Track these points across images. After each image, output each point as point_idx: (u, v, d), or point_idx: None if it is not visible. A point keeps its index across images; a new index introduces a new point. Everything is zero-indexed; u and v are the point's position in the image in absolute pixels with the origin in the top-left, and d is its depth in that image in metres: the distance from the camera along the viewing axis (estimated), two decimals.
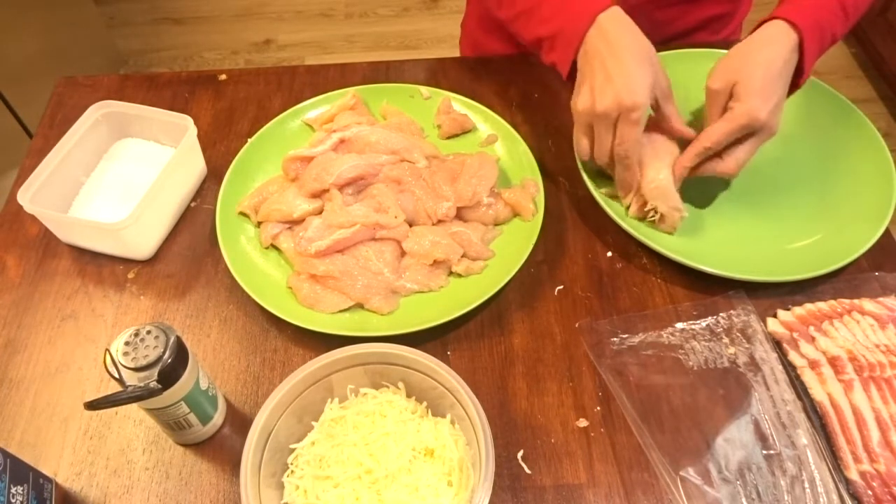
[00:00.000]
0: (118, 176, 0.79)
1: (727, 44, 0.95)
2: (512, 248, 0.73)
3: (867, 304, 0.69)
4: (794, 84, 0.72)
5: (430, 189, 0.76)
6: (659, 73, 0.71)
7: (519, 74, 0.93)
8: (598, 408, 0.65)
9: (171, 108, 0.79)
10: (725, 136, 0.70)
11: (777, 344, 0.68)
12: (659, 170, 0.74)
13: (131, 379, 0.54)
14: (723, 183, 0.81)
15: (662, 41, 0.97)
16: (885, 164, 0.78)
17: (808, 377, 0.65)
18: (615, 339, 0.69)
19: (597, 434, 0.63)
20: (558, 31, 0.73)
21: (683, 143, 0.75)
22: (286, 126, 0.84)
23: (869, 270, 0.73)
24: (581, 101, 0.71)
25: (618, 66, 0.68)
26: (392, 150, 0.78)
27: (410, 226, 0.74)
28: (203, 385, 0.60)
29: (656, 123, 0.76)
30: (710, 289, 0.72)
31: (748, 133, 0.70)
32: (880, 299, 0.70)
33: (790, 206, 0.79)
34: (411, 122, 0.84)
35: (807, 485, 0.59)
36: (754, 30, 0.72)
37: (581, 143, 0.75)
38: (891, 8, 2.08)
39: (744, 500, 0.59)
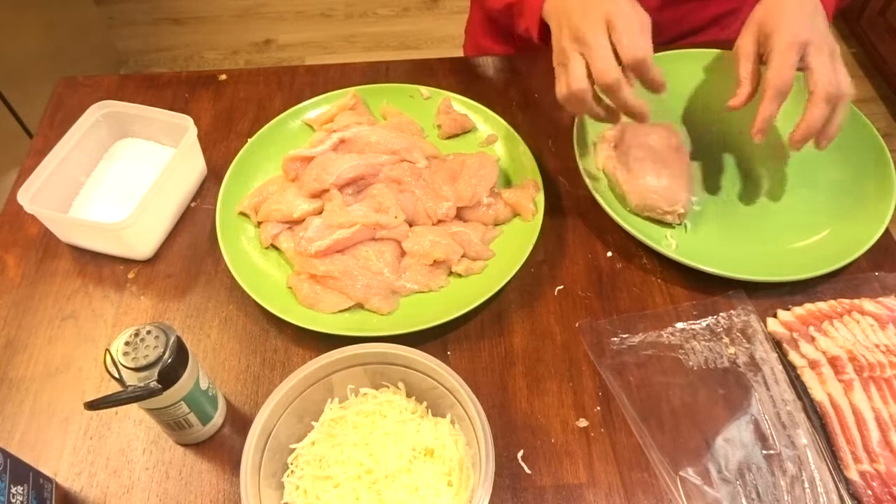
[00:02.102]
0: (118, 176, 0.79)
1: (733, 43, 0.95)
2: (512, 248, 0.73)
3: (867, 304, 0.69)
4: None
5: (430, 189, 0.76)
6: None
7: (519, 74, 0.93)
8: (598, 408, 0.65)
9: (171, 108, 0.79)
10: (790, 68, 0.67)
11: (777, 344, 0.68)
12: (659, 173, 0.74)
13: (131, 379, 0.54)
14: (722, 184, 0.81)
15: (673, 39, 0.97)
16: (885, 164, 0.78)
17: (808, 377, 0.65)
18: (615, 339, 0.69)
19: (597, 434, 0.63)
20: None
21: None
22: (286, 126, 0.84)
23: (869, 270, 0.73)
24: (564, 35, 0.67)
25: None
26: (392, 150, 0.78)
27: (410, 226, 0.74)
28: (203, 385, 0.60)
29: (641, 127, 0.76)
30: (710, 289, 0.72)
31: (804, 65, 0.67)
32: (880, 299, 0.70)
33: (790, 207, 0.79)
34: (411, 122, 0.84)
35: (807, 485, 0.59)
36: None
37: (564, 78, 0.68)
38: (891, 8, 2.08)
39: (744, 500, 0.59)
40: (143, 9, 2.51)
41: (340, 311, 0.69)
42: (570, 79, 0.66)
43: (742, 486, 0.59)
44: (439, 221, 0.74)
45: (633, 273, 0.74)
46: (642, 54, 0.64)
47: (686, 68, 0.86)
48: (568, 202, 0.80)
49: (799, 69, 0.67)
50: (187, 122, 0.77)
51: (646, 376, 0.66)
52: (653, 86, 0.67)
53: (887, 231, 0.74)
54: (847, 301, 0.70)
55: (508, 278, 0.70)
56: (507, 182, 0.80)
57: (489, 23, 1.05)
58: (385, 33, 2.45)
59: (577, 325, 0.70)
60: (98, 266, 0.75)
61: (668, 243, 0.74)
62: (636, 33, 0.65)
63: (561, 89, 0.68)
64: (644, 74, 0.66)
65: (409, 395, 0.61)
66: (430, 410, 0.61)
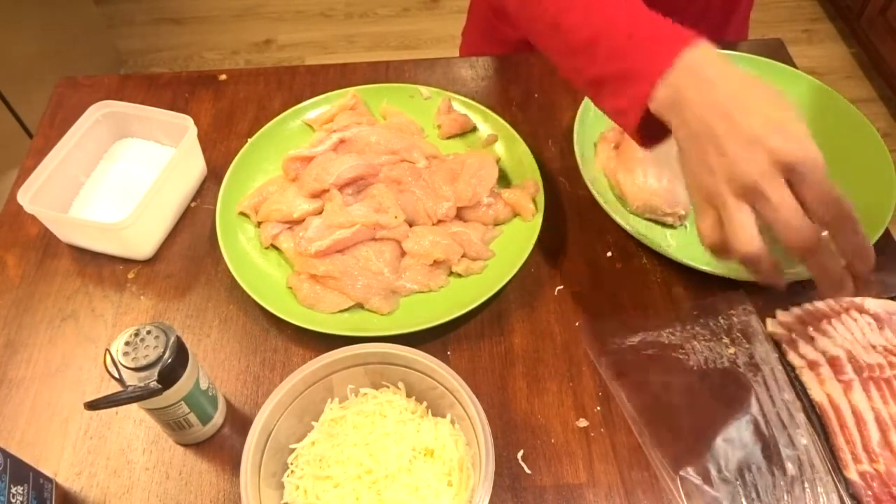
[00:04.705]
0: (118, 176, 0.79)
1: (732, 44, 0.95)
2: (512, 248, 0.73)
3: (870, 302, 0.69)
4: None
5: (430, 189, 0.76)
6: None
7: (519, 74, 0.93)
8: (598, 408, 0.65)
9: (171, 108, 0.79)
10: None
11: (777, 344, 0.68)
12: (660, 174, 0.74)
13: (131, 379, 0.54)
14: None
15: None
16: (885, 164, 0.78)
17: (807, 378, 0.65)
18: (615, 339, 0.68)
19: (597, 434, 0.63)
20: (626, 72, 0.57)
21: None
22: (286, 126, 0.84)
23: None
24: (717, 168, 0.52)
25: (775, 107, 0.52)
26: (392, 150, 0.78)
27: (410, 226, 0.74)
28: (203, 385, 0.60)
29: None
30: (710, 289, 0.72)
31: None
32: (883, 299, 0.70)
33: None
34: (411, 122, 0.84)
35: (806, 485, 0.59)
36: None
37: (720, 229, 0.53)
38: (891, 8, 2.08)
39: (743, 500, 0.59)
40: (143, 9, 2.52)
41: (340, 311, 0.69)
42: (740, 238, 0.51)
43: (742, 486, 0.59)
44: (439, 221, 0.74)
45: (633, 273, 0.74)
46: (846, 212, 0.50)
47: None
48: (568, 202, 0.80)
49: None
50: (187, 122, 0.77)
51: (646, 376, 0.66)
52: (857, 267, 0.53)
53: (887, 231, 0.73)
54: (847, 300, 0.70)
55: (508, 278, 0.70)
56: (507, 182, 0.80)
57: (490, 32, 1.05)
58: (385, 33, 2.45)
59: (577, 325, 0.70)
60: (98, 266, 0.75)
61: (668, 243, 0.74)
62: (828, 184, 0.51)
63: (712, 238, 0.54)
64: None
65: (409, 395, 0.61)
66: (430, 410, 0.61)
